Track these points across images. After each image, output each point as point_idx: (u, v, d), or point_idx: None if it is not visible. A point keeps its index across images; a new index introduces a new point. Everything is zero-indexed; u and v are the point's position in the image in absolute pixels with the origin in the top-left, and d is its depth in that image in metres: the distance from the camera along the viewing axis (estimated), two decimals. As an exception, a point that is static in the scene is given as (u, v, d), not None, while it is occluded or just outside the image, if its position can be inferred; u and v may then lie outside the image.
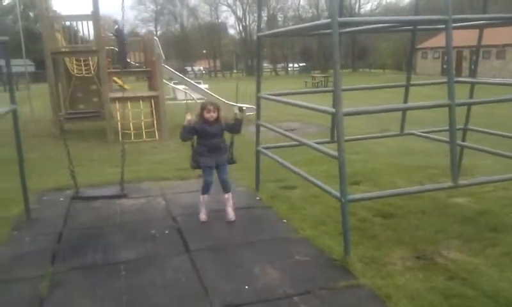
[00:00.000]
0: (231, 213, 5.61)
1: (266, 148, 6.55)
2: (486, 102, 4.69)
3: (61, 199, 6.64)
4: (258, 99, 6.29)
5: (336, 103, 4.15)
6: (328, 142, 6.62)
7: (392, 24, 5.17)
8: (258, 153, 6.63)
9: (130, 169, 7.93)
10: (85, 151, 10.84)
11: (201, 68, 69.85)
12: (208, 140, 5.52)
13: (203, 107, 5.52)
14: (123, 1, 6.57)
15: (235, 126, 5.75)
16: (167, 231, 5.30)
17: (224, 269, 4.28)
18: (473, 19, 5.32)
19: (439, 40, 43.53)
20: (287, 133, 5.82)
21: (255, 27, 72.68)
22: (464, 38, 39.09)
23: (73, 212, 6.10)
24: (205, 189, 5.61)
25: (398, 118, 7.57)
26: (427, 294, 3.74)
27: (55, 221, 5.70)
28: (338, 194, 4.32)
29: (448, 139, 6.74)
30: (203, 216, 5.61)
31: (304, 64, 66.97)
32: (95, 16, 12.60)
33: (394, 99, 14.60)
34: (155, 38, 14.81)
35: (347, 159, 5.48)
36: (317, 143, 5.74)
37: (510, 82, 7.84)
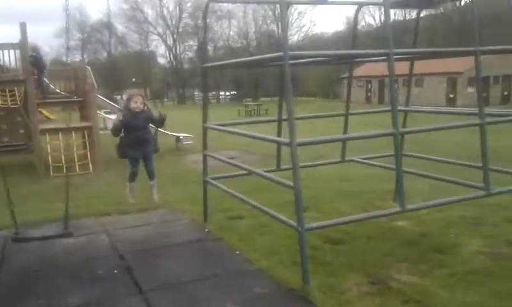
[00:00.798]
0: (155, 195, 6.97)
1: (214, 179, 6.47)
2: (431, 129, 4.96)
3: (-7, 241, 6.15)
4: (205, 129, 6.24)
5: (290, 133, 4.20)
6: (274, 171, 6.67)
7: (333, 58, 5.37)
8: (205, 183, 6.54)
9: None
10: (13, 187, 10.05)
11: (130, 96, 68.45)
12: (135, 132, 6.08)
13: (130, 98, 6.11)
14: (67, 27, 6.29)
15: (159, 120, 6.56)
16: (115, 271, 5.03)
17: (181, 308, 4.13)
18: (411, 53, 5.66)
19: (363, 70, 45.95)
20: (238, 163, 5.80)
21: (185, 56, 73.39)
22: (385, 68, 41.67)
23: (7, 254, 5.64)
24: (131, 178, 6.55)
25: (330, 145, 7.79)
26: (387, 319, 3.83)
27: (-12, 266, 5.24)
28: (294, 223, 4.34)
29: (387, 165, 7.09)
30: (131, 200, 6.76)
31: (235, 92, 67.77)
32: (22, 45, 12.03)
33: (328, 127, 15.11)
34: (87, 67, 14.36)
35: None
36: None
37: (451, 111, 8.39)
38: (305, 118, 6.85)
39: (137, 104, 5.89)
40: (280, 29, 68.54)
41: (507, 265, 4.83)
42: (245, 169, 5.46)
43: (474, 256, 5.14)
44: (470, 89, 39.47)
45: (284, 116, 6.83)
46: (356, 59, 6.36)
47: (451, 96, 40.80)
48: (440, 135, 14.95)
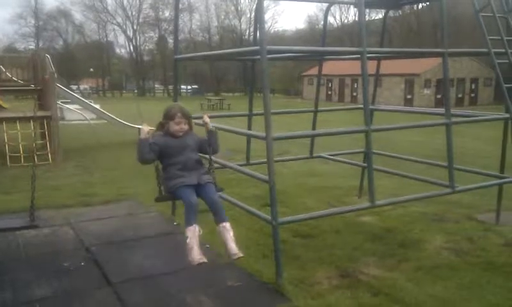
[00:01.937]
0: (233, 248, 3.92)
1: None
2: (400, 127, 5.09)
3: None
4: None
5: (266, 128, 4.21)
6: (244, 165, 6.68)
7: (308, 54, 5.42)
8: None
9: (24, 196, 7.22)
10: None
11: (87, 86, 66.59)
12: (178, 156, 3.98)
13: (170, 116, 3.99)
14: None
15: (210, 141, 4.19)
16: (82, 263, 4.90)
17: (154, 301, 4.08)
18: (384, 52, 5.79)
19: (324, 68, 46.52)
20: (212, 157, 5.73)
21: (146, 47, 72.06)
22: (346, 68, 42.40)
23: (-34, 246, 5.40)
24: (191, 217, 3.84)
25: (294, 141, 7.87)
26: (358, 311, 3.92)
27: None
28: (268, 217, 4.36)
29: (356, 162, 7.23)
30: (196, 257, 3.76)
31: (196, 86, 67.22)
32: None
33: (291, 123, 15.27)
34: (47, 55, 13.84)
35: (258, 182, 5.59)
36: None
37: (418, 110, 8.64)
38: (278, 113, 6.89)
39: (180, 126, 3.99)
40: (241, 23, 68.82)
41: (470, 260, 5.04)
42: (219, 163, 5.42)
43: (438, 251, 5.33)
44: (426, 91, 40.78)
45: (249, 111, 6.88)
46: (328, 57, 6.43)
47: (408, 97, 42.03)
48: (399, 135, 15.38)
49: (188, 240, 3.79)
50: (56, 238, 5.75)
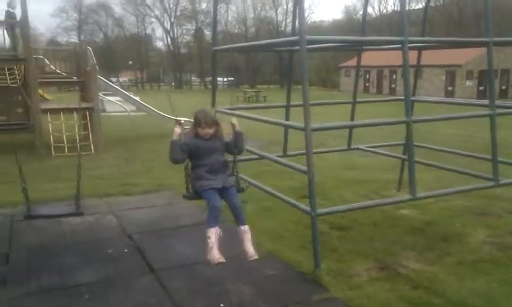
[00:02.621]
0: (251, 250, 4.16)
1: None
2: (441, 119, 5.00)
3: (0, 218, 6.17)
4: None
5: (305, 118, 4.21)
6: (281, 157, 6.69)
7: (348, 43, 5.37)
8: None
9: (68, 185, 7.51)
10: (14, 166, 10.09)
11: (126, 79, 68.03)
12: (206, 158, 4.19)
13: (197, 123, 4.22)
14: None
15: (236, 141, 4.39)
16: (126, 250, 5.07)
17: (194, 288, 4.18)
18: (426, 41, 5.67)
19: (362, 59, 45.80)
20: (250, 148, 5.78)
21: (183, 40, 72.83)
22: (384, 58, 41.57)
23: (16, 231, 5.66)
24: (213, 219, 4.10)
25: (330, 133, 7.79)
26: (397, 303, 3.90)
27: (-3, 243, 5.26)
28: (307, 208, 4.38)
29: (395, 154, 7.12)
30: (216, 256, 4.01)
31: (232, 78, 67.53)
32: (23, 22, 11.89)
33: (328, 115, 15.15)
34: (89, 48, 14.23)
35: (295, 173, 5.59)
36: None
37: (460, 102, 8.41)
38: (316, 104, 6.86)
39: (205, 132, 4.17)
40: (278, 15, 68.49)
41: (513, 255, 4.91)
42: (257, 154, 5.47)
43: (480, 245, 5.21)
44: (468, 83, 39.57)
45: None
46: (368, 47, 6.35)
47: (450, 88, 40.91)
48: (439, 127, 15.02)
49: (209, 241, 4.06)
50: (100, 226, 5.95)
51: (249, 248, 4.15)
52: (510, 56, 38.96)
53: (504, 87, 40.43)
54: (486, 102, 5.31)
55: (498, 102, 5.38)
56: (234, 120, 4.47)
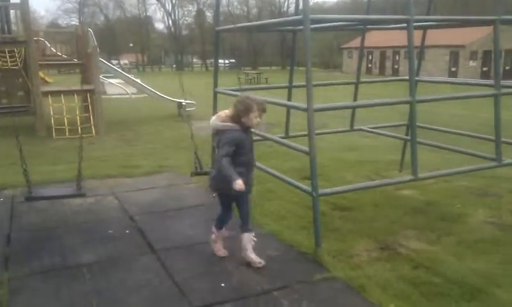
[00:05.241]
0: (250, 252, 4.25)
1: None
2: (445, 98, 4.95)
3: (1, 199, 6.19)
4: (215, 94, 6.20)
5: (308, 98, 4.18)
6: (283, 138, 6.66)
7: (355, 23, 5.30)
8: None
9: (68, 167, 7.50)
10: (15, 148, 10.08)
11: (127, 61, 67.68)
12: (247, 154, 3.95)
13: (248, 109, 3.80)
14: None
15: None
16: (127, 231, 5.08)
17: (195, 267, 4.19)
18: (431, 20, 5.59)
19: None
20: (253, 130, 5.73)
21: (185, 21, 72.25)
22: (387, 39, 41.23)
23: (17, 213, 5.68)
24: (222, 219, 4.37)
25: (331, 114, 7.78)
26: (398, 283, 3.90)
27: (-1, 223, 5.28)
28: (308, 188, 4.37)
29: (398, 135, 7.08)
30: (220, 249, 4.38)
31: (233, 60, 67.09)
32: (23, 5, 11.77)
33: (330, 96, 15.07)
34: (90, 29, 14.12)
35: (296, 155, 5.55)
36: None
37: (466, 81, 8.31)
38: (319, 85, 6.80)
39: (258, 120, 3.88)
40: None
41: (514, 234, 4.91)
42: (259, 135, 5.44)
43: (481, 225, 5.21)
44: (472, 63, 39.24)
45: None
46: (373, 26, 6.26)
47: (453, 69, 40.59)
48: (442, 108, 14.94)
49: (213, 236, 4.41)
50: (101, 207, 5.96)
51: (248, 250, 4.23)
52: (515, 36, 38.56)
53: (507, 68, 40.06)
54: (491, 81, 5.25)
55: (503, 82, 5.32)
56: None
